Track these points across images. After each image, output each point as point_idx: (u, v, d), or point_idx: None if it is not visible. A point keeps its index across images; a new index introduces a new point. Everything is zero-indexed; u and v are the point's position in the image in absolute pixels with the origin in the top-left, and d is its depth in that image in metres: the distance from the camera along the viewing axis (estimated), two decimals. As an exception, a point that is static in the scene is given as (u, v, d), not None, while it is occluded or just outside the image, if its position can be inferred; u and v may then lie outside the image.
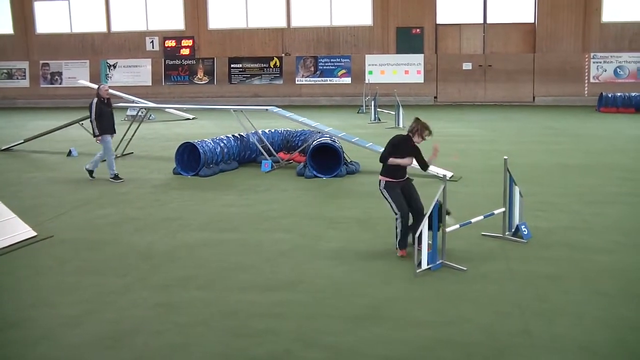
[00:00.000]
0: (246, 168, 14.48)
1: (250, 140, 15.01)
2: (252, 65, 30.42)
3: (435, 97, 31.18)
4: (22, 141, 17.79)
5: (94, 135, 13.57)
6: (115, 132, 13.80)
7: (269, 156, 14.72)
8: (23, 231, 9.57)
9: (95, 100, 13.46)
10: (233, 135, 15.06)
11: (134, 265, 8.52)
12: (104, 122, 13.52)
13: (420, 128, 8.68)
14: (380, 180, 8.62)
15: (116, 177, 13.66)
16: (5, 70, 30.73)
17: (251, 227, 10.11)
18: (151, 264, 8.53)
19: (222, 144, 14.47)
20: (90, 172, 13.88)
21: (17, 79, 30.62)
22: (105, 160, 13.75)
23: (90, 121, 13.50)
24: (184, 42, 30.24)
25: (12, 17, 29.99)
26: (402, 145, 8.59)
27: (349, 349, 5.98)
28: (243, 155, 14.94)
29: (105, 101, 13.60)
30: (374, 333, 6.31)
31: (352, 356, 5.85)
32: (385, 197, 8.57)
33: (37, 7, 30.12)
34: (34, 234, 9.62)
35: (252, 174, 14.04)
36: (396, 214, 8.47)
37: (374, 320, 6.60)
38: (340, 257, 8.58)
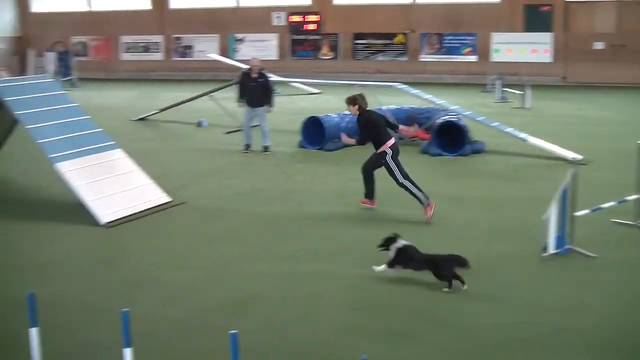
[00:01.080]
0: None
1: (374, 116, 15.00)
2: (377, 42, 30.30)
3: (564, 78, 30.10)
4: (157, 111, 18.49)
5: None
6: (259, 105, 13.81)
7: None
8: (159, 197, 9.99)
9: (243, 73, 14.25)
10: (358, 111, 15.08)
11: (260, 235, 8.75)
12: (245, 94, 13.94)
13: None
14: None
15: (247, 147, 14.01)
16: (142, 44, 31.94)
17: (375, 202, 10.14)
18: (276, 235, 8.73)
19: (346, 119, 14.54)
20: (266, 147, 13.99)
21: (152, 52, 31.80)
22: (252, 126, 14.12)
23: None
24: (310, 18, 30.46)
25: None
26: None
27: (469, 328, 5.93)
28: (367, 131, 14.94)
29: (254, 75, 13.87)
30: (495, 315, 6.23)
31: (470, 334, 5.80)
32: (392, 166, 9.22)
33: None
34: (169, 199, 10.03)
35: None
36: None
37: (495, 302, 6.51)
38: (463, 237, 8.49)
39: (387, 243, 7.11)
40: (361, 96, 9.47)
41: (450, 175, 12.06)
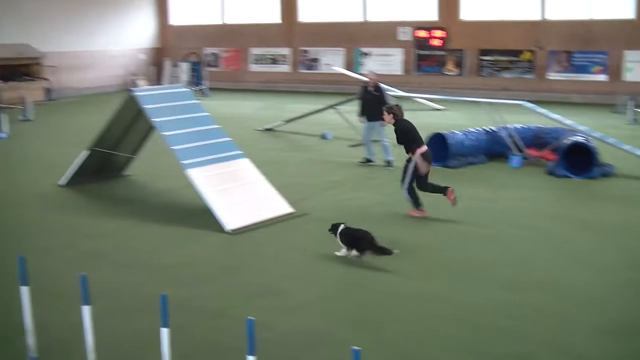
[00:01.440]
0: (494, 162, 14.15)
1: (500, 134, 14.61)
2: (503, 58, 29.62)
3: (701, 99, 28.40)
4: (282, 122, 18.76)
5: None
6: (375, 119, 13.66)
7: (519, 152, 14.25)
8: (282, 207, 10.10)
9: (361, 87, 14.30)
10: (482, 129, 14.76)
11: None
12: (364, 107, 14.00)
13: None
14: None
15: (367, 160, 14.00)
16: (270, 56, 32.62)
17: (497, 222, 9.87)
18: (399, 252, 8.63)
19: (471, 137, 14.26)
20: (389, 162, 13.88)
21: (280, 64, 32.42)
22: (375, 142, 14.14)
23: None
24: (436, 33, 30.17)
25: (281, 8, 31.74)
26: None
27: (600, 362, 5.64)
28: (492, 149, 14.58)
29: (370, 89, 13.93)
30: (624, 349, 5.88)
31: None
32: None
33: (301, -2, 31.58)
34: (292, 210, 10.12)
35: (500, 168, 13.69)
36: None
37: (625, 336, 6.16)
38: (592, 264, 8.11)
39: (333, 229, 8.40)
40: (397, 107, 10.62)
41: (578, 198, 11.57)
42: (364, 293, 7.22)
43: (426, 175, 10.14)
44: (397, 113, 10.46)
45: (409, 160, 10.20)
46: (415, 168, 10.05)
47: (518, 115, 16.69)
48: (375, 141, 14.14)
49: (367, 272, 7.78)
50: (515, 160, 13.89)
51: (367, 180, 12.82)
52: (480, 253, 8.51)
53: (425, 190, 10.24)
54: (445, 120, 19.81)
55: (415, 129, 10.31)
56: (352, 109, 17.50)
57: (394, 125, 10.41)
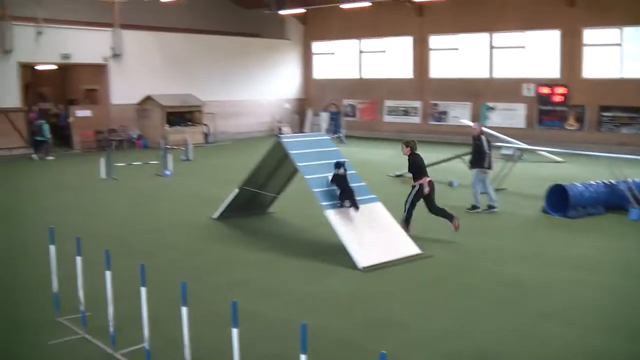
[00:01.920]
0: (613, 214, 13.47)
1: (619, 187, 13.92)
2: (622, 114, 28.31)
3: None
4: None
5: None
6: (481, 167, 13.64)
7: (638, 205, 13.51)
8: (411, 248, 10.05)
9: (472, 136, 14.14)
10: (602, 181, 14.13)
11: (501, 292, 8.44)
12: (473, 155, 13.88)
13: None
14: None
15: (473, 207, 13.76)
16: (403, 108, 32.80)
17: (614, 271, 9.38)
18: (517, 293, 8.38)
19: (590, 189, 13.68)
20: (490, 207, 13.80)
21: (412, 115, 32.49)
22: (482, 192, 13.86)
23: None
24: (558, 90, 29.31)
25: (413, 65, 31.94)
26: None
27: None
28: (611, 201, 13.91)
29: (477, 138, 13.78)
30: None
31: None
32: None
33: (432, 55, 31.56)
34: (419, 251, 10.04)
35: (620, 220, 13.00)
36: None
37: None
38: None
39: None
40: (413, 142, 11.75)
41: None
42: (481, 329, 7.04)
43: (432, 201, 11.36)
44: (413, 147, 11.56)
45: (413, 186, 11.41)
46: (418, 191, 11.29)
47: (636, 170, 15.89)
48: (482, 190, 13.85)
49: (481, 310, 7.58)
50: (634, 212, 13.17)
51: (488, 226, 12.52)
52: (595, 300, 8.11)
53: (437, 214, 11.40)
54: (565, 173, 19.11)
55: (423, 163, 11.52)
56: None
57: (408, 156, 11.54)
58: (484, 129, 14.58)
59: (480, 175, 13.70)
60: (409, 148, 11.55)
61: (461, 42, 30.57)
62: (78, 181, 17.93)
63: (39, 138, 23.29)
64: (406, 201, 11.47)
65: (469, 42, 30.63)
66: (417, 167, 11.45)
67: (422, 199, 11.38)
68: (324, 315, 7.49)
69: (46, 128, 23.42)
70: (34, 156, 22.96)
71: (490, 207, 13.72)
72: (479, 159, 13.71)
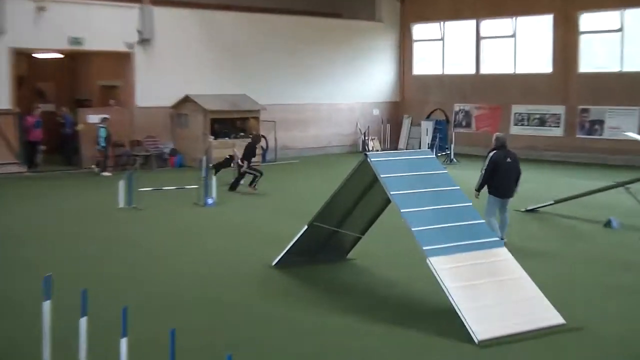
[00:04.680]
0: None
1: None
2: None
3: None
4: (552, 202, 18.31)
5: None
6: None
7: None
8: (549, 315, 9.74)
9: None
10: None
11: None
12: None
13: None
14: None
15: None
16: (537, 116, 31.88)
17: None
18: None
19: None
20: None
21: (550, 126, 31.53)
22: None
23: None
24: None
25: (554, 54, 31.03)
26: None
27: None
28: None
29: None
30: None
31: None
32: None
33: (583, 40, 30.69)
34: (561, 321, 9.72)
35: None
36: None
37: None
38: None
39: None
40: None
41: None
42: None
43: None
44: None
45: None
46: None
47: None
48: None
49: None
50: None
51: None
52: None
53: None
54: None
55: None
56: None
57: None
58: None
59: None
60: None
61: (630, 20, 29.24)
62: (86, 210, 18.35)
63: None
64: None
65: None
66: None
67: None
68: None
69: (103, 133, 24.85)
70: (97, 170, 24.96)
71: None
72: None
